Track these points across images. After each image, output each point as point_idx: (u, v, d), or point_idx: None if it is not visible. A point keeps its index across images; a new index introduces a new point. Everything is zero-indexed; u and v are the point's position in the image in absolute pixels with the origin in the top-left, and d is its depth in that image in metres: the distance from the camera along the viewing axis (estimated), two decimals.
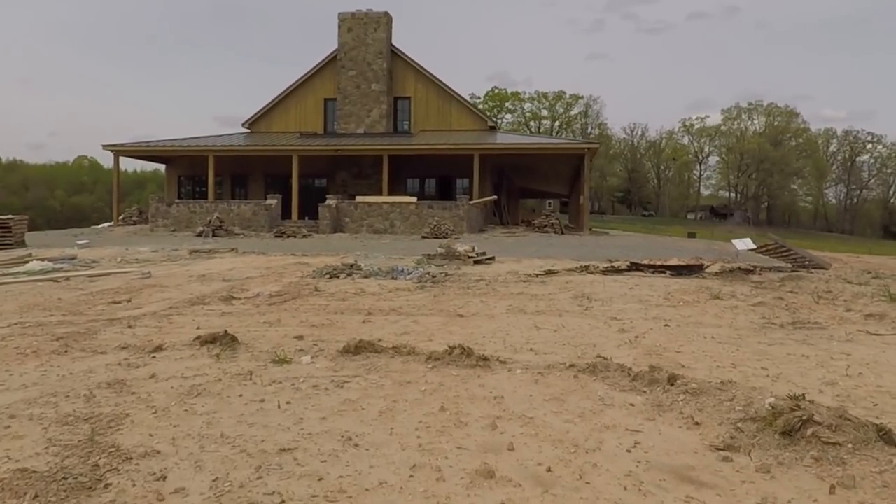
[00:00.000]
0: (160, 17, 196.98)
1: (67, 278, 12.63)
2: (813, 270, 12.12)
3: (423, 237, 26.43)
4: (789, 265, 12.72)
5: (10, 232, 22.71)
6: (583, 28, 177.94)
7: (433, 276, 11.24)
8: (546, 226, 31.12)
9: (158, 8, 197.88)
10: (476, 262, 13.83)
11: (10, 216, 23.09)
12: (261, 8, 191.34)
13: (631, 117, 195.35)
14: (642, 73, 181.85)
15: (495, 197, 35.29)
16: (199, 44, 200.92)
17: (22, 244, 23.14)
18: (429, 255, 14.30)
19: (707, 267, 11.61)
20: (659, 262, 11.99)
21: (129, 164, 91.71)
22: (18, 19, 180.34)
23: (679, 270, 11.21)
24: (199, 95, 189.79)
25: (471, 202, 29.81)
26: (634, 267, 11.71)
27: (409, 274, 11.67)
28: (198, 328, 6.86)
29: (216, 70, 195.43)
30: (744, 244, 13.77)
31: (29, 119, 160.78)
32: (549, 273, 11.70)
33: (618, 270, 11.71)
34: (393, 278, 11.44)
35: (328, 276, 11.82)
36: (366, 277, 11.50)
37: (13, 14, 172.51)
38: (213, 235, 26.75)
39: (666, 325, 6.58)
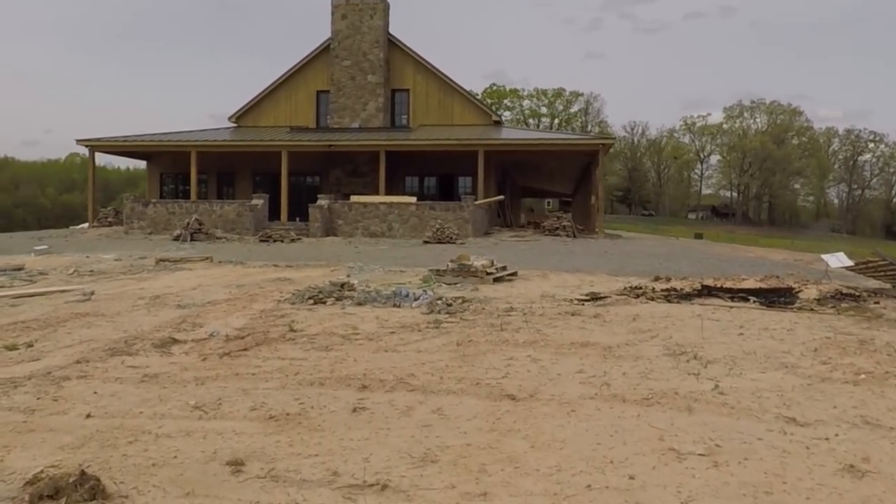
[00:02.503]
0: (158, 14, 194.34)
1: None
2: None
3: (425, 242, 23.83)
4: None
5: None
6: (580, 27, 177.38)
7: (448, 304, 8.63)
8: (557, 228, 28.54)
9: (156, 4, 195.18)
10: (496, 280, 11.24)
11: None
12: (261, 1, 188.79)
13: (627, 116, 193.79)
14: (639, 72, 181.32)
15: (502, 197, 32.71)
16: (199, 40, 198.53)
17: None
18: (437, 270, 11.68)
19: (799, 291, 9.05)
20: (731, 284, 9.41)
21: (121, 162, 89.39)
22: (12, 15, 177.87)
23: (766, 296, 8.65)
24: (199, 93, 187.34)
25: (476, 203, 27.20)
26: (706, 291, 9.14)
27: (415, 299, 9.07)
28: (87, 416, 4.26)
29: (216, 67, 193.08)
30: (837, 260, 11.20)
31: (24, 116, 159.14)
32: (596, 298, 9.11)
33: (683, 295, 9.13)
34: (395, 305, 8.84)
35: (312, 300, 9.21)
36: (360, 304, 8.89)
37: (6, 10, 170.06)
38: (191, 239, 24.10)
39: None
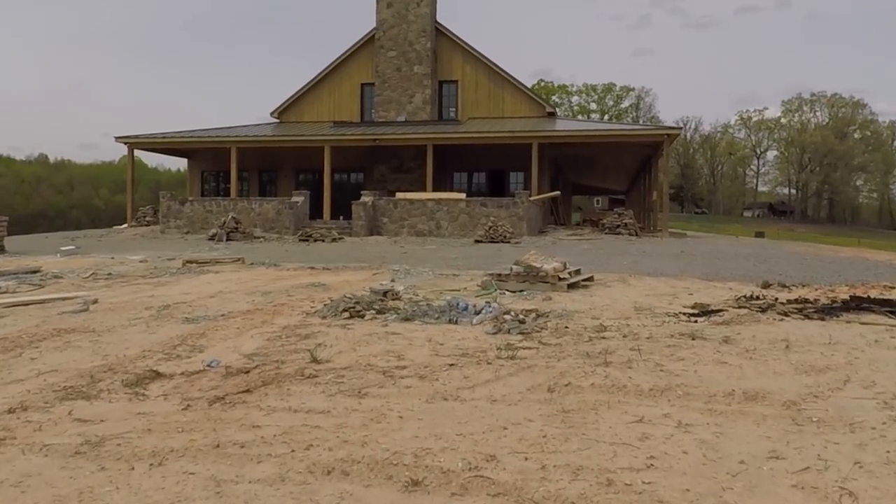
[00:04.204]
0: (213, 18, 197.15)
1: None
2: None
3: (477, 241, 21.91)
4: None
5: None
6: (628, 24, 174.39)
7: (519, 320, 6.70)
8: (618, 226, 26.29)
9: (210, 9, 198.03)
10: (570, 287, 9.27)
11: None
12: (313, 4, 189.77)
13: (677, 113, 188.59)
14: (689, 68, 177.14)
15: (558, 193, 30.55)
16: (253, 43, 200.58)
17: (1, 249, 19.30)
18: (498, 274, 9.75)
19: None
20: (878, 294, 7.28)
21: (173, 163, 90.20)
22: (70, 22, 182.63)
23: None
24: (257, 94, 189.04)
25: (531, 199, 25.16)
26: (853, 303, 7.04)
27: (476, 313, 7.17)
28: None
29: (274, 68, 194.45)
30: None
31: (82, 120, 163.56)
32: (709, 313, 7.08)
33: (824, 309, 7.02)
34: (451, 321, 6.95)
35: (347, 313, 7.39)
36: (407, 320, 7.02)
37: (65, 17, 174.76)
38: (228, 239, 22.63)
39: None
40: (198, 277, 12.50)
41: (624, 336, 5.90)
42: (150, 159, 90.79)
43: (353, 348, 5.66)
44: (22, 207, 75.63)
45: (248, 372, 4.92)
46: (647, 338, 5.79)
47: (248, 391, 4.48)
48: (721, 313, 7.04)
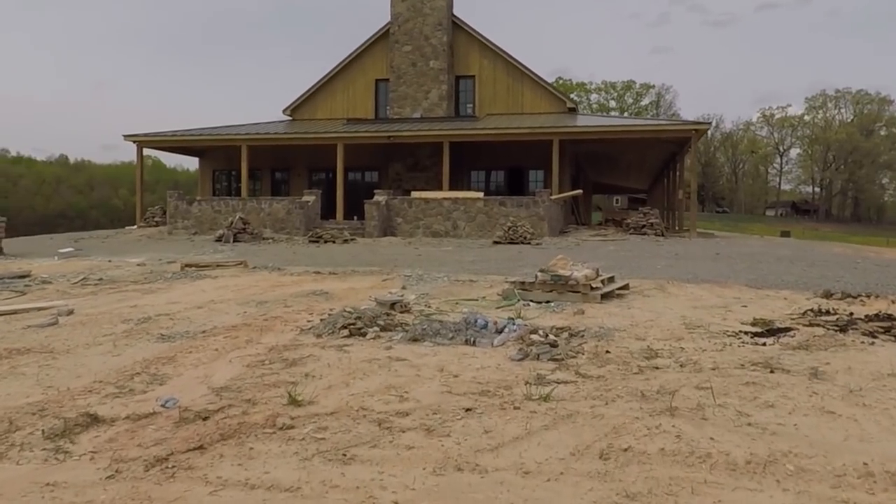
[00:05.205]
0: (232, 19, 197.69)
1: None
2: None
3: (495, 242, 20.77)
4: None
5: None
6: (646, 22, 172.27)
7: (550, 343, 5.58)
8: (644, 226, 25.02)
9: (231, 8, 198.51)
10: (604, 297, 8.12)
11: None
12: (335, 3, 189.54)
13: (697, 111, 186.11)
14: (709, 65, 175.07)
15: (581, 191, 29.31)
16: (273, 46, 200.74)
17: None
18: (521, 282, 8.62)
19: None
20: None
21: (192, 164, 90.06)
22: (91, 24, 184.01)
23: None
24: (274, 95, 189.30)
25: (552, 198, 23.98)
26: None
27: (498, 332, 6.06)
28: None
29: (292, 69, 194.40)
30: None
31: (104, 122, 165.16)
32: (775, 332, 5.92)
33: None
34: (468, 342, 5.84)
35: (346, 330, 6.30)
36: (415, 340, 5.92)
37: (86, 18, 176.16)
38: (235, 240, 21.66)
39: None
40: (192, 284, 11.50)
41: (681, 366, 4.76)
42: (169, 160, 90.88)
43: (345, 381, 4.57)
44: (42, 208, 75.86)
45: (206, 418, 3.83)
46: (713, 369, 4.64)
47: (200, 448, 3.40)
48: (791, 332, 5.88)
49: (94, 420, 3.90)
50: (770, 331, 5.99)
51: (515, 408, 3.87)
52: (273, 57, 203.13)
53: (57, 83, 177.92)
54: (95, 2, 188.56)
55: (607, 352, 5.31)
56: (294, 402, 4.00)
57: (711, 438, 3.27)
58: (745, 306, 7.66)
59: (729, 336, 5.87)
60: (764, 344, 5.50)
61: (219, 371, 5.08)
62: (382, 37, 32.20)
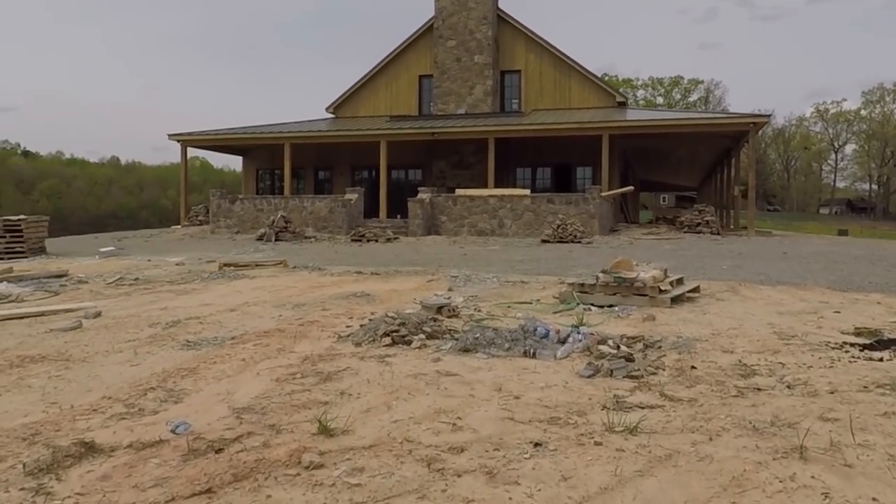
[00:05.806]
0: (282, 21, 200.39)
1: None
2: None
3: (543, 241, 19.95)
4: None
5: (22, 237, 17.90)
6: (693, 18, 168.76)
7: (623, 356, 4.81)
8: (699, 224, 23.91)
9: (281, 10, 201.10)
10: (673, 300, 7.30)
11: (21, 217, 18.27)
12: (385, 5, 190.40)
13: (747, 106, 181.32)
14: (758, 61, 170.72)
15: (632, 188, 28.25)
16: (323, 45, 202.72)
17: (41, 251, 18.34)
18: (580, 284, 7.84)
19: None
20: None
21: (238, 163, 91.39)
22: (145, 28, 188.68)
23: None
24: (323, 96, 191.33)
25: (602, 195, 23.02)
26: None
27: (561, 341, 5.30)
28: None
29: (337, 68, 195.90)
30: None
31: (155, 124, 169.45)
32: (887, 343, 5.06)
33: None
34: (527, 353, 5.10)
35: (388, 338, 5.62)
36: (465, 351, 5.20)
37: (140, 23, 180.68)
38: (276, 239, 21.25)
39: None
40: (229, 284, 10.98)
41: (789, 387, 3.95)
42: (217, 160, 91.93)
43: (387, 402, 3.88)
44: (94, 208, 77.41)
45: (220, 451, 3.18)
46: (831, 392, 3.82)
47: (208, 492, 2.74)
48: None
49: (90, 449, 3.28)
50: (880, 342, 5.13)
51: (596, 443, 3.12)
52: (317, 56, 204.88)
53: (110, 86, 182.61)
54: (148, 7, 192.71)
55: (693, 367, 4.53)
56: (325, 430, 3.32)
57: (874, 500, 2.48)
58: (838, 312, 6.77)
59: (833, 349, 5.03)
60: (881, 359, 4.65)
61: (244, 386, 4.44)
62: (426, 32, 31.59)
